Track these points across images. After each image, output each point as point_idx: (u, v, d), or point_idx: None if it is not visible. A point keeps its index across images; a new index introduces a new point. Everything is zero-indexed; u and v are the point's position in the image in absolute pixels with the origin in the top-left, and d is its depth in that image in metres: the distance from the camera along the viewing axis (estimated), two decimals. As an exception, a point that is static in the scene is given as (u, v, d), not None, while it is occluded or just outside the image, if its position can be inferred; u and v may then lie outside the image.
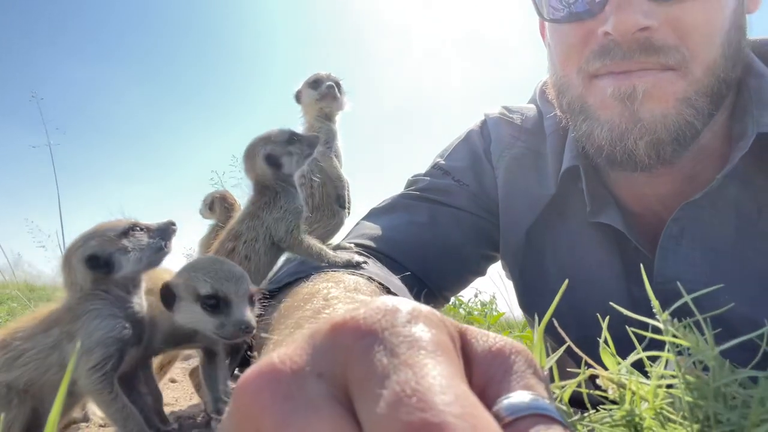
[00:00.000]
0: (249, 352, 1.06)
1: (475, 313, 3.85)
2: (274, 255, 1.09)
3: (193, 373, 1.17)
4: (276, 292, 0.96)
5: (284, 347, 0.32)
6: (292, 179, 1.08)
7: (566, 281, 0.59)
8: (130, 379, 0.91)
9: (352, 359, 0.29)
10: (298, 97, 1.25)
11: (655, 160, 0.90)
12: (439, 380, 0.26)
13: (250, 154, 1.08)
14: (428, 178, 1.23)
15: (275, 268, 1.15)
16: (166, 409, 1.29)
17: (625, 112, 0.89)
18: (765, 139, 0.90)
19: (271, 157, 1.06)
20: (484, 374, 0.32)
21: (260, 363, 0.31)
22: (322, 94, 1.20)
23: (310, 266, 0.96)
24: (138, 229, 0.88)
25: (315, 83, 1.22)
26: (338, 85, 1.23)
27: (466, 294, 4.14)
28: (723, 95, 0.92)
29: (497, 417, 0.29)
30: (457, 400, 0.25)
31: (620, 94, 0.88)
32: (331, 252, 1.03)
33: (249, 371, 0.30)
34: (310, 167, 1.16)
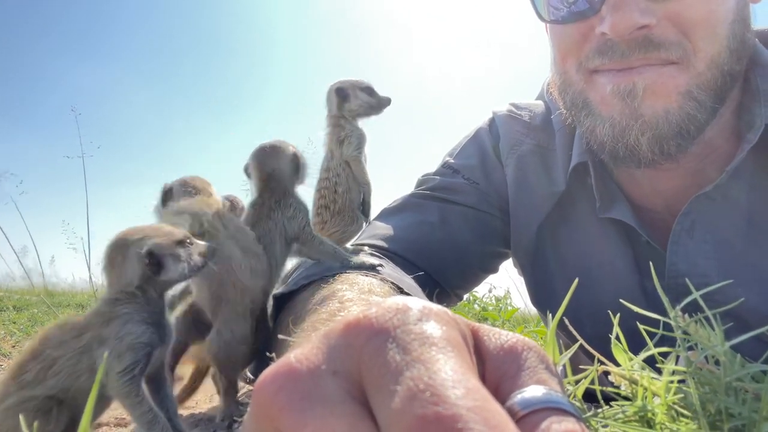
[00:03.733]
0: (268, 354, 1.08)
1: (490, 308, 3.84)
2: (287, 256, 1.12)
3: (215, 376, 1.19)
4: (291, 295, 0.97)
5: (300, 347, 0.33)
6: (294, 186, 1.15)
7: (577, 279, 0.60)
8: (157, 381, 0.93)
9: (365, 357, 0.30)
10: (343, 94, 1.19)
11: (658, 156, 0.90)
12: (451, 375, 0.27)
13: (276, 151, 1.13)
14: (438, 177, 1.24)
15: (287, 269, 1.17)
16: (186, 412, 1.31)
17: (625, 109, 0.88)
18: None
19: (297, 160, 1.13)
20: (497, 371, 0.33)
21: (277, 363, 0.32)
22: (382, 104, 1.18)
23: (324, 269, 0.97)
24: (189, 242, 0.91)
25: (369, 89, 1.19)
26: None
27: (481, 290, 4.13)
28: (727, 88, 0.91)
29: (511, 412, 0.29)
30: (468, 393, 0.26)
31: (620, 91, 0.88)
32: (343, 252, 1.05)
33: (267, 372, 0.32)
34: (337, 172, 1.16)
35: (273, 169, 1.12)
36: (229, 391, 1.10)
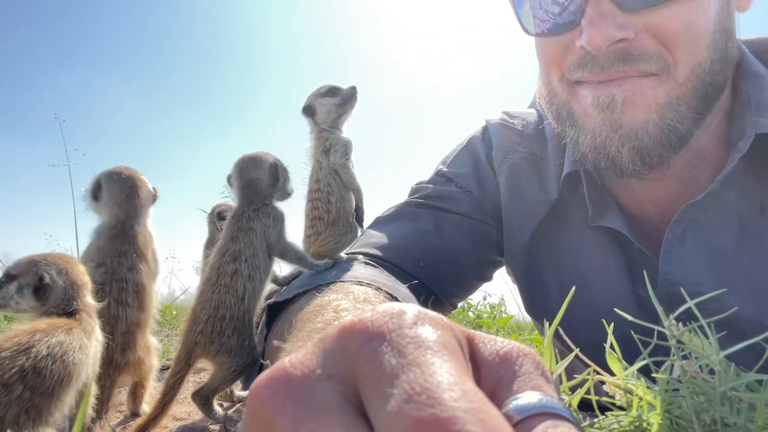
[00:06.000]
0: (262, 361, 1.07)
1: (484, 316, 3.84)
2: (269, 268, 1.13)
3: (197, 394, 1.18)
4: (285, 304, 0.97)
5: (295, 353, 0.33)
6: (273, 196, 1.20)
7: (573, 288, 0.60)
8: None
9: (361, 361, 0.30)
10: (309, 110, 1.22)
11: (640, 167, 0.90)
12: (447, 377, 0.27)
13: (256, 161, 1.18)
14: (431, 186, 1.24)
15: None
16: (177, 424, 1.30)
17: (605, 121, 0.89)
18: (764, 139, 0.90)
19: (275, 170, 1.17)
20: (492, 378, 0.33)
21: (272, 368, 0.32)
22: (346, 97, 1.19)
23: (319, 278, 0.97)
24: None
25: (332, 91, 1.20)
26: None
27: (475, 297, 4.14)
28: (711, 98, 0.91)
29: (507, 418, 0.29)
30: (465, 395, 0.26)
31: (600, 103, 0.88)
32: (311, 258, 1.10)
33: (261, 377, 0.31)
34: (328, 182, 1.16)
35: (252, 178, 1.16)
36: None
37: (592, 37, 0.84)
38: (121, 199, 1.30)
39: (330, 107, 1.20)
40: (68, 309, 0.96)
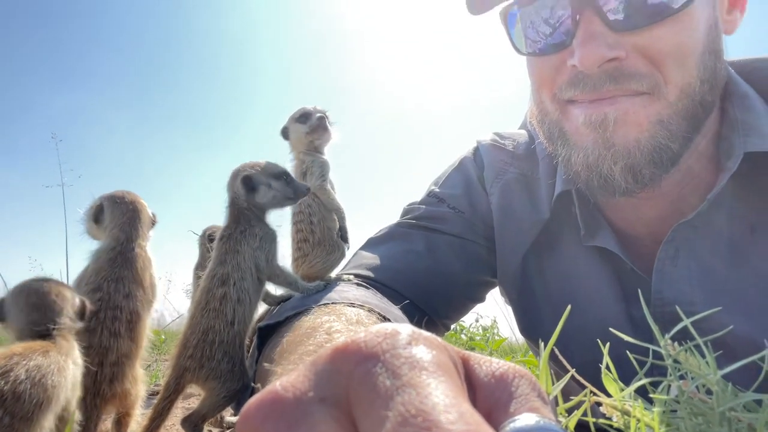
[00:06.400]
0: (253, 384, 1.05)
1: (477, 338, 3.81)
2: (259, 291, 1.09)
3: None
4: (276, 327, 0.95)
5: (286, 375, 0.32)
6: (264, 212, 1.10)
7: (569, 307, 0.59)
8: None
9: (354, 383, 0.29)
10: (285, 133, 1.23)
11: (632, 185, 0.91)
12: (443, 399, 0.26)
13: (234, 173, 1.09)
14: (424, 206, 1.24)
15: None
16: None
17: (598, 139, 0.90)
18: (752, 158, 0.91)
19: (249, 181, 1.06)
20: (488, 399, 0.32)
21: (263, 391, 0.31)
22: (313, 126, 1.20)
23: (311, 300, 0.95)
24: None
25: (303, 117, 1.21)
26: (326, 116, 1.24)
27: (467, 319, 4.11)
28: (701, 118, 0.93)
29: None
30: (461, 417, 0.25)
31: (592, 121, 0.89)
32: (302, 281, 1.06)
33: (252, 400, 0.30)
34: (308, 203, 1.15)
35: (232, 195, 1.09)
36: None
37: (584, 56, 0.86)
38: (123, 221, 1.30)
39: (300, 134, 1.21)
40: (43, 332, 0.95)
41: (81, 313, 1.04)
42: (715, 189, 0.92)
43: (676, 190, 0.99)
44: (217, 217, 1.16)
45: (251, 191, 1.07)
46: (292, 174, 1.16)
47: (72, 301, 1.03)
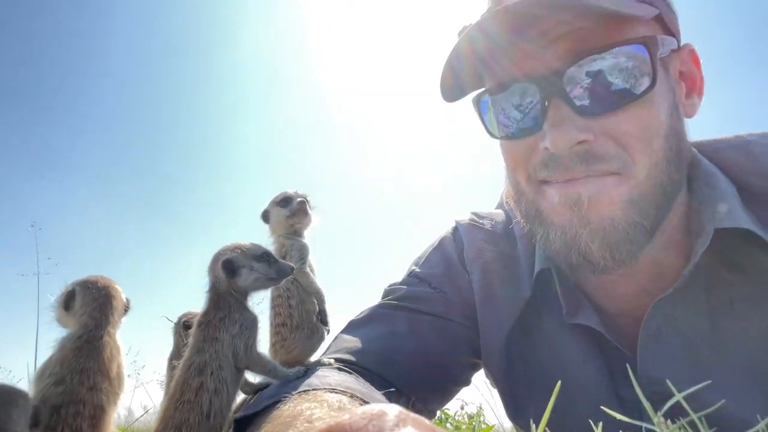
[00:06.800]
0: None
1: (463, 427, 3.65)
2: (237, 380, 1.04)
3: None
4: (255, 417, 0.90)
5: None
6: (246, 295, 1.06)
7: (558, 383, 0.58)
8: None
9: None
10: (265, 216, 1.24)
11: (610, 262, 0.92)
12: None
13: (215, 256, 1.07)
14: (405, 287, 1.23)
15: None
16: None
17: (574, 218, 0.92)
18: (722, 234, 0.94)
19: (230, 264, 1.04)
20: None
21: None
22: (293, 210, 1.21)
23: (290, 387, 0.91)
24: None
25: (284, 201, 1.23)
26: (307, 200, 1.26)
27: (452, 406, 3.96)
28: (670, 196, 0.96)
29: None
30: None
31: (567, 201, 0.92)
32: (281, 368, 1.02)
33: None
34: (287, 287, 1.13)
35: (212, 278, 1.06)
36: None
37: (555, 139, 0.90)
38: (94, 307, 1.24)
39: (281, 217, 1.22)
40: None
41: (35, 421, 0.98)
42: (690, 264, 0.94)
43: (653, 266, 1.01)
44: (194, 303, 1.12)
45: (232, 274, 1.04)
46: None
47: (25, 410, 0.97)
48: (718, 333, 0.96)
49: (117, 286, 1.32)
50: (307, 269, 1.18)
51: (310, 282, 1.16)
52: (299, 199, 1.23)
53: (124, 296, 1.34)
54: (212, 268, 1.07)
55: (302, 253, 1.18)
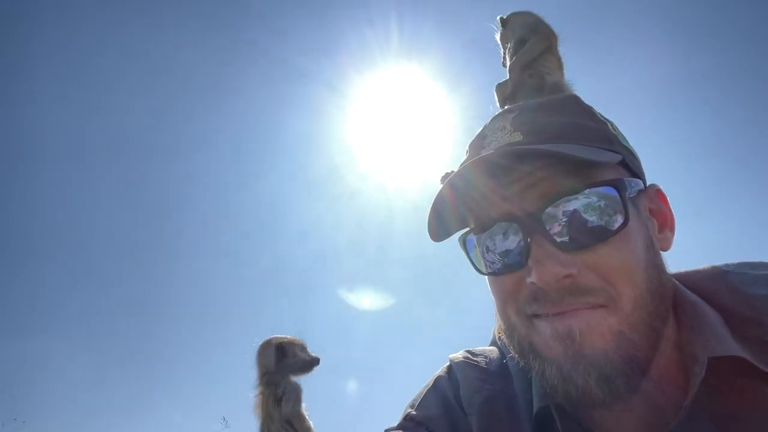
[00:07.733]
0: None
1: None
2: None
3: None
4: None
5: None
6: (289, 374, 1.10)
7: None
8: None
9: None
10: (283, 351, 1.24)
11: (609, 396, 0.90)
12: None
13: (266, 343, 1.13)
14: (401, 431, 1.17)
15: None
16: None
17: (568, 351, 0.92)
18: (717, 363, 0.93)
19: (282, 348, 1.11)
20: None
21: None
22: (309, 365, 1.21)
23: None
24: None
25: (281, 350, 1.23)
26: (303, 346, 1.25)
27: None
28: (658, 327, 0.97)
29: None
30: None
31: (558, 334, 0.92)
32: None
33: None
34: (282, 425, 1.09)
35: (263, 366, 1.10)
36: None
37: (540, 274, 0.92)
38: None
39: (299, 360, 1.22)
40: None
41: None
42: (689, 397, 0.92)
43: (653, 400, 0.98)
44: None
45: (283, 356, 1.14)
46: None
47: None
48: None
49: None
50: (303, 411, 1.14)
51: (307, 427, 1.11)
52: (316, 356, 1.25)
53: None
54: (263, 351, 1.15)
55: (297, 394, 1.16)
